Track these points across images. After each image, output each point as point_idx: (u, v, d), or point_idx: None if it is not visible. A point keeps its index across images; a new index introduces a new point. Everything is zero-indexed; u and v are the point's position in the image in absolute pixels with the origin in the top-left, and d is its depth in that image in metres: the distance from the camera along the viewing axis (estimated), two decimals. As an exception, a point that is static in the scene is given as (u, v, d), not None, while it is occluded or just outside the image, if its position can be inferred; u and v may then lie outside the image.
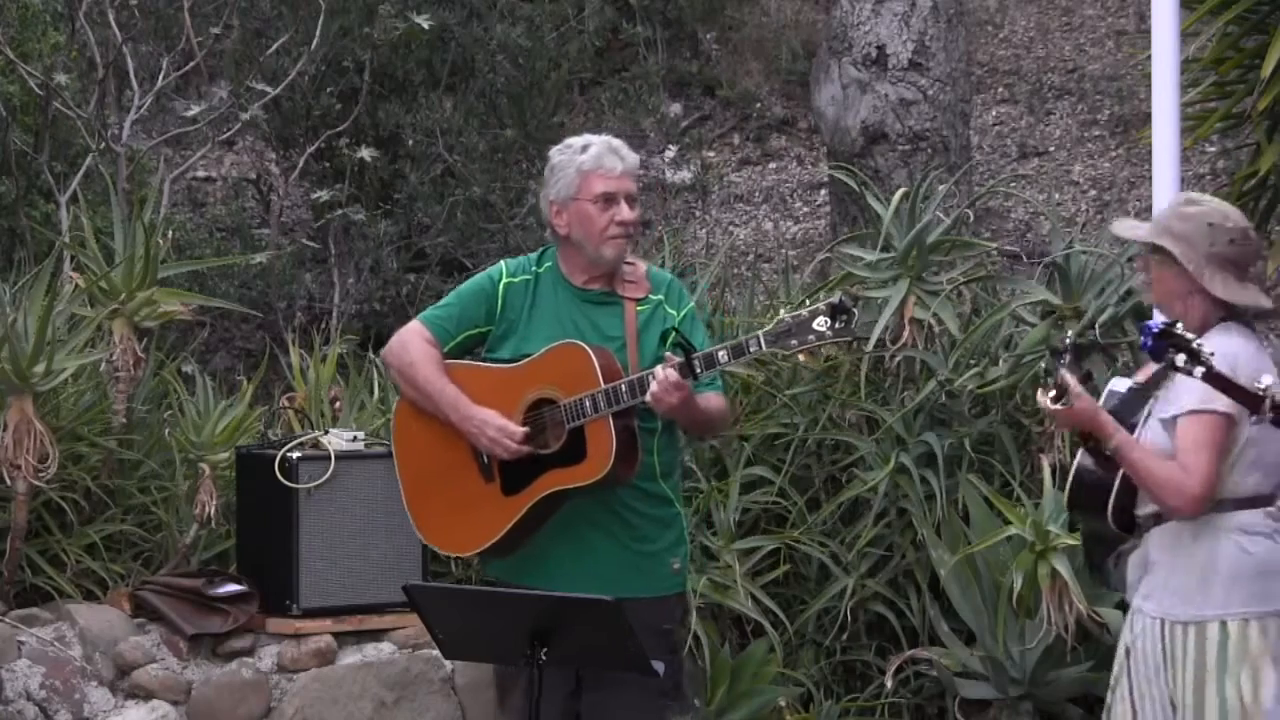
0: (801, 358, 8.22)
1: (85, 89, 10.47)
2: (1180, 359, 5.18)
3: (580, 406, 5.73)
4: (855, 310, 5.54)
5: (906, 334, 8.29)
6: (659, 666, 5.65)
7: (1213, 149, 12.51)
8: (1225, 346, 5.46)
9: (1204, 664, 5.59)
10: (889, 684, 7.85)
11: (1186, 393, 5.53)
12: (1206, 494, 5.54)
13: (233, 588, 7.52)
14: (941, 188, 8.70)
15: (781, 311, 5.80)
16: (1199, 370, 5.15)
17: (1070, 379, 5.40)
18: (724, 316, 8.72)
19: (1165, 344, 5.21)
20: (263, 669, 7.52)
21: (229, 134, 11.06)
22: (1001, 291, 8.69)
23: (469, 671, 7.58)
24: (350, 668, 7.57)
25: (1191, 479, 5.52)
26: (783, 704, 7.82)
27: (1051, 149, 13.42)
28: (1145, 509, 5.67)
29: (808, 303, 5.78)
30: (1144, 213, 12.03)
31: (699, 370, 5.64)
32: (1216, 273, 5.58)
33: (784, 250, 12.16)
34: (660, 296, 5.93)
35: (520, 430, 5.80)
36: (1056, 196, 12.49)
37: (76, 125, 10.10)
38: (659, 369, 5.64)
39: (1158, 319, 5.24)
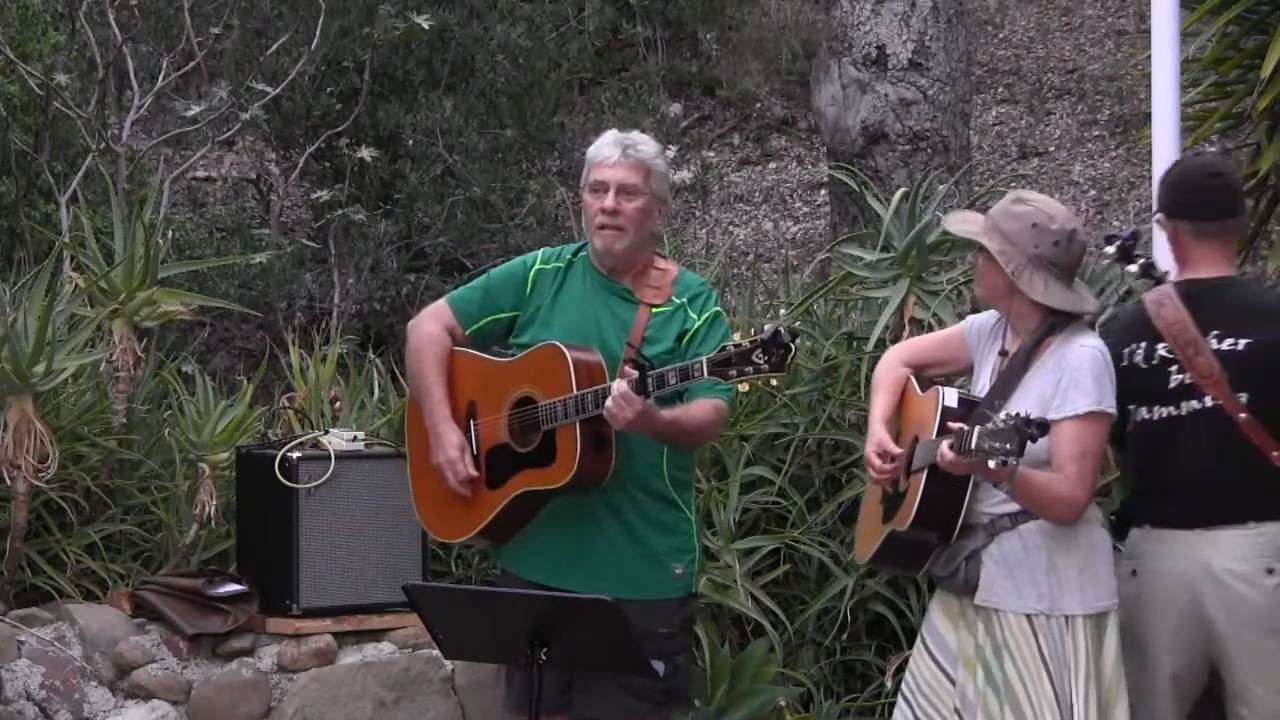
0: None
1: (85, 89, 10.47)
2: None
3: (553, 410, 5.75)
4: (793, 345, 5.52)
5: (906, 334, 8.28)
6: (658, 667, 5.65)
7: (1213, 149, 12.50)
8: (1079, 359, 5.53)
9: (1102, 656, 5.60)
10: (889, 684, 7.84)
11: (1065, 395, 5.53)
12: (1090, 500, 5.57)
13: (233, 588, 7.51)
14: (941, 188, 8.70)
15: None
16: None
17: (976, 438, 5.29)
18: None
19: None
20: (263, 669, 7.51)
21: (229, 134, 11.06)
22: (1001, 291, 8.68)
23: (469, 671, 7.58)
24: (350, 668, 7.56)
25: (1080, 490, 5.50)
26: (783, 704, 7.81)
27: (1051, 149, 13.42)
28: (1004, 507, 5.63)
29: (783, 314, 5.77)
30: (1144, 212, 12.04)
31: (650, 388, 5.61)
32: (1036, 274, 5.56)
33: (784, 250, 12.16)
34: (683, 300, 5.91)
35: (467, 473, 5.87)
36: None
37: (76, 125, 10.09)
38: (614, 383, 5.63)
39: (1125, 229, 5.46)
